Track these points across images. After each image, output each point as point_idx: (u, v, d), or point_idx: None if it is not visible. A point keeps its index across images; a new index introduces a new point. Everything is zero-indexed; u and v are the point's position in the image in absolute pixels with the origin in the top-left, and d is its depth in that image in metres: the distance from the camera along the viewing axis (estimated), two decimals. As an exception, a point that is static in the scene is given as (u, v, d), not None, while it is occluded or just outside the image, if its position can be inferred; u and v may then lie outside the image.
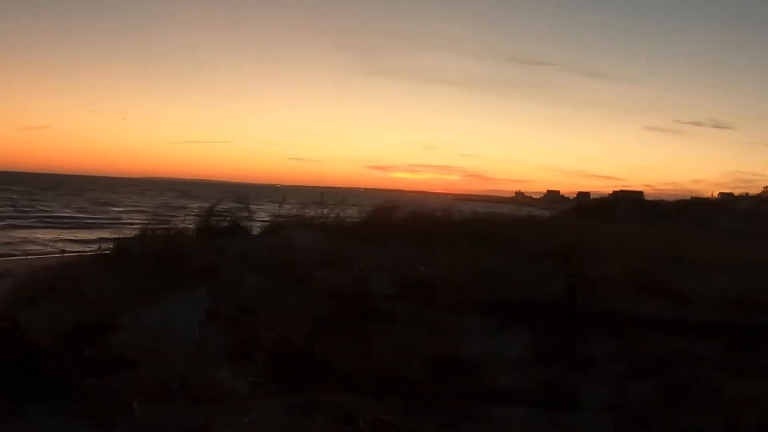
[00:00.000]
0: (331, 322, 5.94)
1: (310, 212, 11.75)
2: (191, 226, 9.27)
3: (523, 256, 9.10)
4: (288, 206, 12.05)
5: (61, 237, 26.48)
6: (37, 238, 27.03)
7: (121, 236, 8.98)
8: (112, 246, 8.34)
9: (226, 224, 9.61)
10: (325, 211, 12.13)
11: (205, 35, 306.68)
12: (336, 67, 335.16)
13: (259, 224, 11.43)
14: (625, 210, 31.36)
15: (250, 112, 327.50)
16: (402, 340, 5.83)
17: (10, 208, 46.68)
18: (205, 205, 10.11)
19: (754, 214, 33.65)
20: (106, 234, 19.51)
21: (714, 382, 5.49)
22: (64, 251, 13.64)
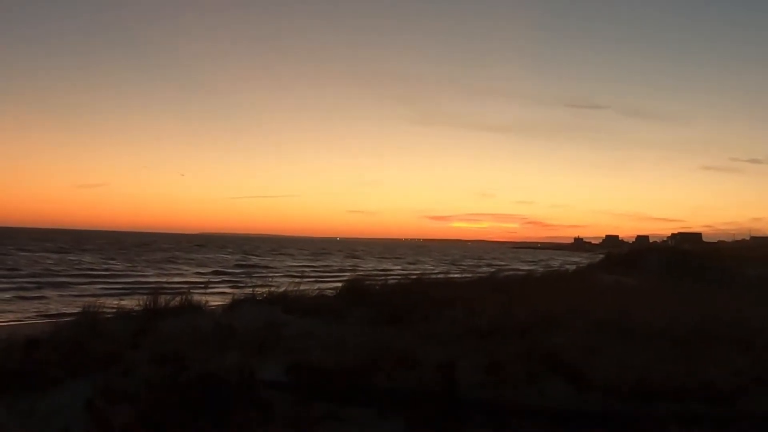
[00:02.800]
0: (189, 414, 5.68)
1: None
2: (139, 303, 9.18)
3: (455, 335, 8.66)
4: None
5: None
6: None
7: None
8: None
9: (176, 303, 9.47)
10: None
11: (259, 92, 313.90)
12: (388, 118, 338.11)
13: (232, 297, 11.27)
14: (655, 260, 30.01)
15: (307, 165, 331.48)
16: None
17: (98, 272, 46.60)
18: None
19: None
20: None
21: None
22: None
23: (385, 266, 68.03)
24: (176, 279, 39.61)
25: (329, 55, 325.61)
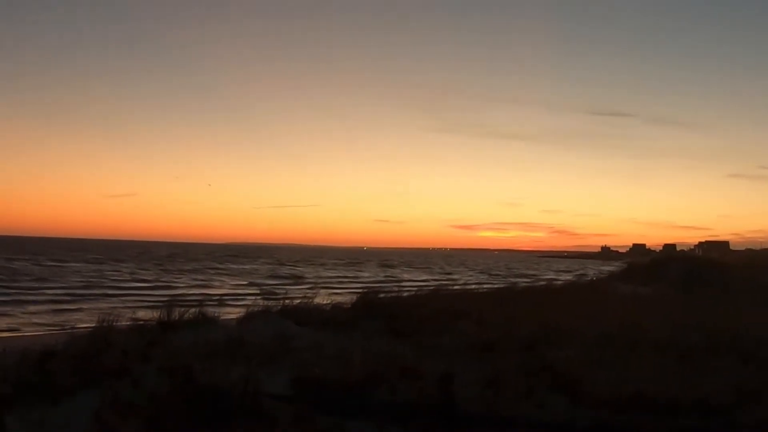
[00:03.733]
0: (193, 424, 5.77)
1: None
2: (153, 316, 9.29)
3: (461, 347, 8.66)
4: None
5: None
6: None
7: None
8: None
9: (190, 316, 9.56)
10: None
11: (284, 102, 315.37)
12: (413, 128, 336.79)
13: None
14: (676, 269, 29.56)
15: (333, 175, 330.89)
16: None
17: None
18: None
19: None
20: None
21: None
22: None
23: (425, 277, 67.15)
24: (213, 291, 39.25)
25: (353, 65, 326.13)
